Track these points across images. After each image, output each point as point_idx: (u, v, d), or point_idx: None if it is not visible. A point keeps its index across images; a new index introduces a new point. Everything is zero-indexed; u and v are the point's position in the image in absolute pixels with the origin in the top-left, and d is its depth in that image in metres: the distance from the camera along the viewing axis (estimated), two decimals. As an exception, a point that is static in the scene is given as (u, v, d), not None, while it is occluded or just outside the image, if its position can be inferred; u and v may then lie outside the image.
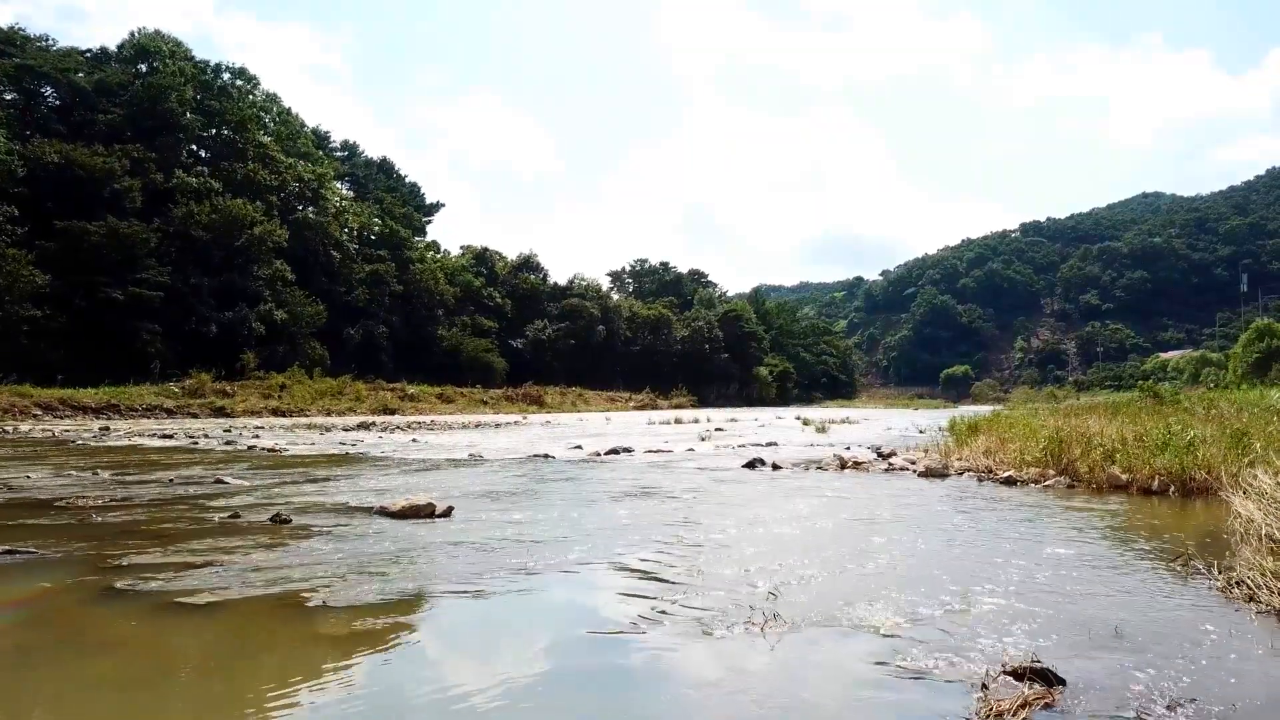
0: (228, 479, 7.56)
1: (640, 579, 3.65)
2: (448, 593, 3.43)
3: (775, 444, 13.94)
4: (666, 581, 3.57)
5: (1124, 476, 7.28)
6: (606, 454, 11.33)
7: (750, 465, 9.27)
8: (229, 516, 5.41)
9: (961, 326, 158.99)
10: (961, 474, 8.57)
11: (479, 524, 5.21)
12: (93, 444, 13.62)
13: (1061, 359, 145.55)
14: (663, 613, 3.07)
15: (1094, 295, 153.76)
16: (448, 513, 5.57)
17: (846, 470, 9.12)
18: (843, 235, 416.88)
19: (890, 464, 9.49)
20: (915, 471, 8.79)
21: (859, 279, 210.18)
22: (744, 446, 13.41)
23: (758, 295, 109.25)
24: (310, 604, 3.21)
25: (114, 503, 6.10)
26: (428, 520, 5.40)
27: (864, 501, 6.41)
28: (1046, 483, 7.49)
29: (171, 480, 7.68)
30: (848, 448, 13.47)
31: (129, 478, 7.99)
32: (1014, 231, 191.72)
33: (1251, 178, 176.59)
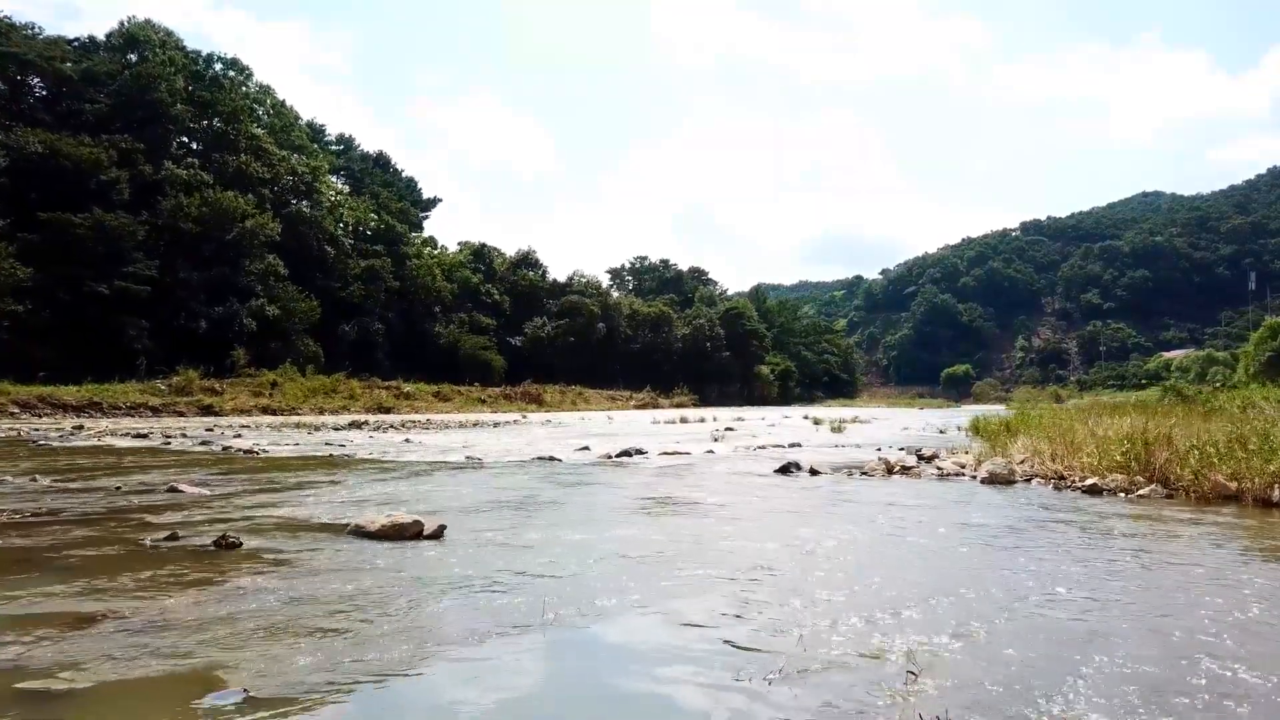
0: (184, 487, 6.47)
1: (711, 642, 2.57)
2: (429, 673, 2.35)
3: (798, 445, 12.87)
4: (749, 649, 2.49)
5: (1232, 485, 6.23)
6: (618, 456, 10.25)
7: (784, 470, 8.21)
8: (165, 538, 4.33)
9: (962, 326, 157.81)
10: (1029, 480, 7.52)
11: (478, 549, 4.14)
12: (56, 444, 12.52)
13: (1063, 358, 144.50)
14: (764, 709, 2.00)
15: (1095, 294, 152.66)
16: (439, 533, 4.49)
17: (895, 476, 8.06)
18: (842, 235, 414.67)
19: (940, 469, 8.45)
20: (975, 477, 7.73)
21: (859, 278, 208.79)
22: (764, 448, 12.35)
23: (758, 293, 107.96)
24: (225, 690, 2.13)
25: (33, 518, 5.02)
26: (413, 543, 4.32)
27: (938, 517, 5.34)
28: (1139, 492, 6.43)
29: (119, 488, 6.59)
30: (878, 449, 12.43)
31: (72, 484, 6.90)
32: (1014, 230, 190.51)
33: (1253, 176, 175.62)
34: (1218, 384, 46.19)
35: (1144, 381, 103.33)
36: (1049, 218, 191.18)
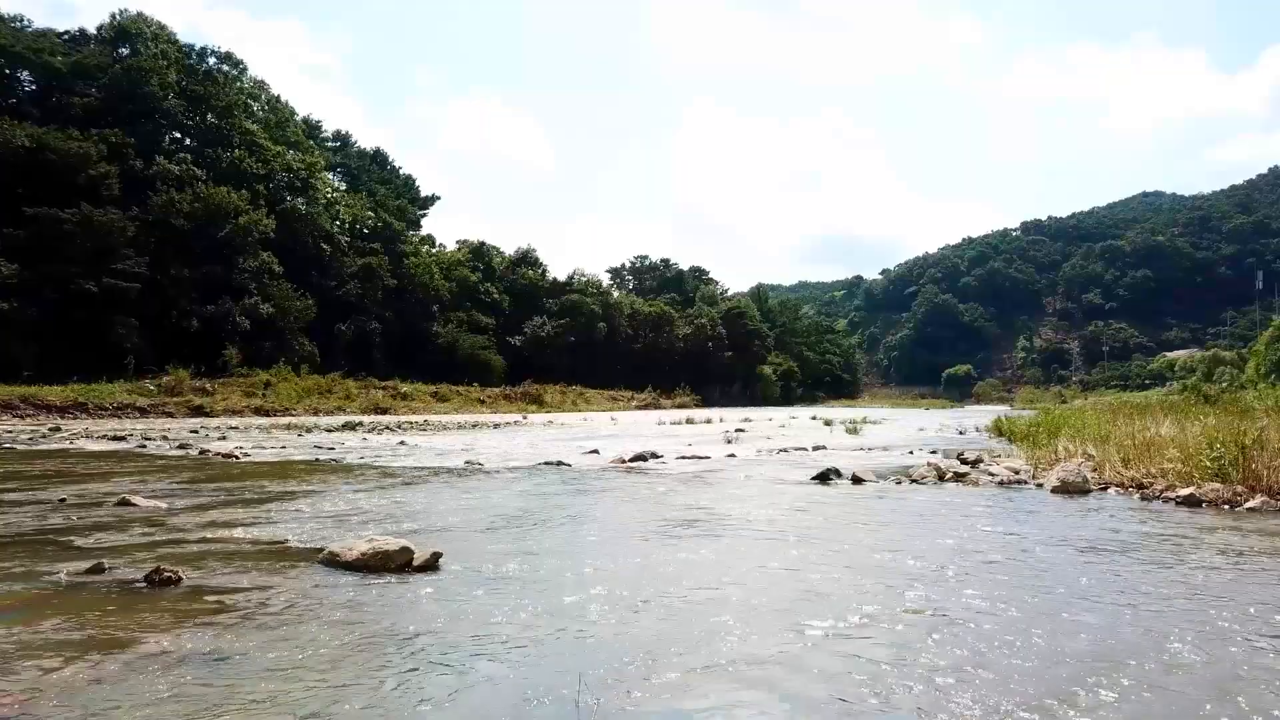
0: (138, 499, 5.56)
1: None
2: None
3: (823, 447, 11.98)
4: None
5: (1360, 496, 5.35)
6: (632, 461, 9.36)
7: (823, 478, 7.31)
8: (87, 570, 3.44)
9: (963, 326, 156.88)
10: (1105, 489, 6.64)
11: (483, 586, 3.24)
12: (23, 448, 11.61)
13: (1065, 358, 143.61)
14: None
15: (1097, 294, 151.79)
16: (432, 563, 3.59)
17: (948, 483, 7.17)
18: (841, 235, 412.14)
19: (993, 474, 7.56)
20: (1041, 485, 6.84)
21: (859, 278, 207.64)
22: (786, 451, 11.47)
23: (760, 293, 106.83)
24: None
25: (-63, 541, 4.11)
26: (399, 577, 3.42)
27: (1034, 535, 4.44)
28: (1246, 504, 5.54)
29: (64, 500, 5.69)
30: (910, 451, 11.57)
31: (12, 496, 6.00)
32: (1015, 230, 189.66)
33: (1254, 176, 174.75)
34: (1224, 384, 45.47)
35: (1147, 382, 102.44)
36: (1050, 217, 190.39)
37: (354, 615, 2.80)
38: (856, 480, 7.16)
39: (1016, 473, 7.75)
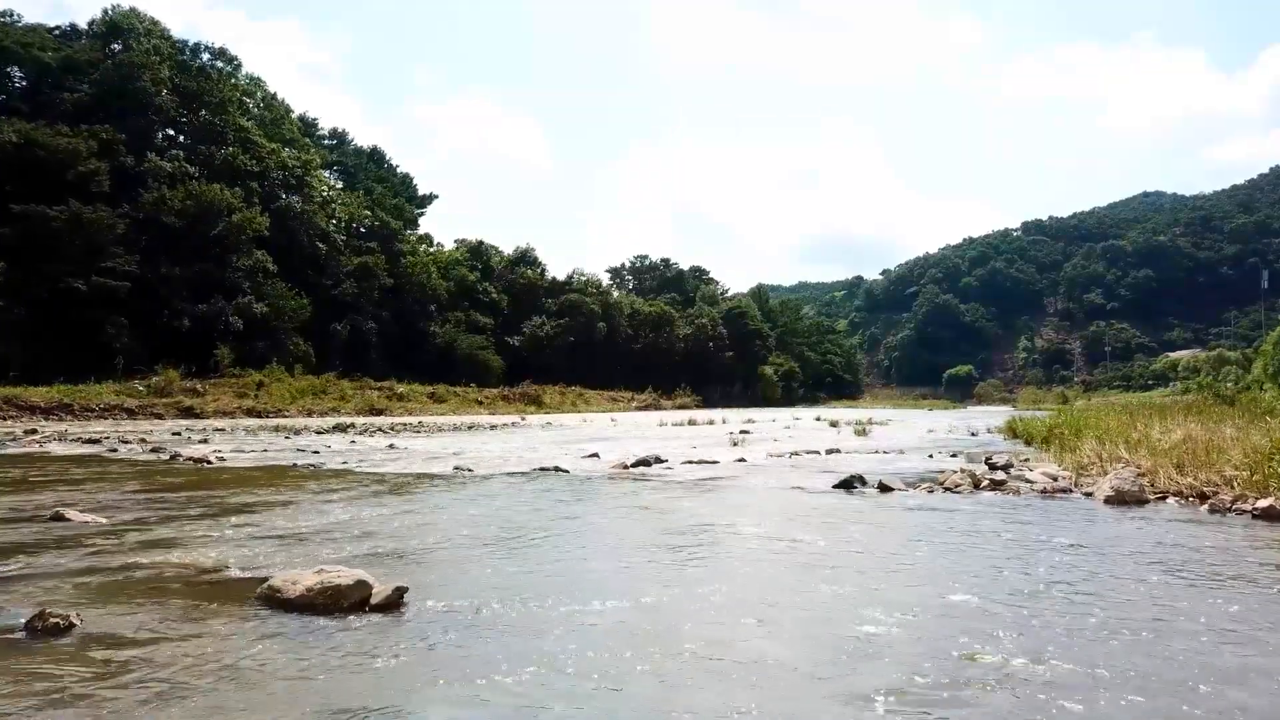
0: (74, 513, 4.88)
1: None
2: None
3: (836, 451, 11.31)
4: None
5: None
6: (635, 466, 8.68)
7: (846, 485, 6.64)
8: (-37, 612, 2.76)
9: (964, 326, 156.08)
10: (1164, 498, 5.96)
11: (454, 634, 2.56)
12: (-14, 451, 10.93)
13: (1066, 359, 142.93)
14: None
15: (1098, 294, 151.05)
16: (396, 601, 2.91)
17: (984, 491, 6.50)
18: (841, 234, 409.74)
19: (1031, 483, 6.90)
20: (1092, 495, 6.17)
21: (859, 278, 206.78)
22: (798, 454, 10.79)
23: (760, 293, 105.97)
24: None
25: None
26: (353, 619, 2.74)
27: (1114, 559, 3.76)
28: (1338, 518, 4.87)
29: (-9, 514, 5.01)
30: (930, 456, 10.90)
31: (-62, 508, 5.32)
32: (1015, 230, 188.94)
33: (1255, 176, 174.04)
34: (1229, 384, 44.70)
35: (1150, 382, 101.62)
36: (1050, 217, 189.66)
37: (280, 680, 2.12)
38: (884, 489, 6.49)
39: (1055, 480, 7.07)
